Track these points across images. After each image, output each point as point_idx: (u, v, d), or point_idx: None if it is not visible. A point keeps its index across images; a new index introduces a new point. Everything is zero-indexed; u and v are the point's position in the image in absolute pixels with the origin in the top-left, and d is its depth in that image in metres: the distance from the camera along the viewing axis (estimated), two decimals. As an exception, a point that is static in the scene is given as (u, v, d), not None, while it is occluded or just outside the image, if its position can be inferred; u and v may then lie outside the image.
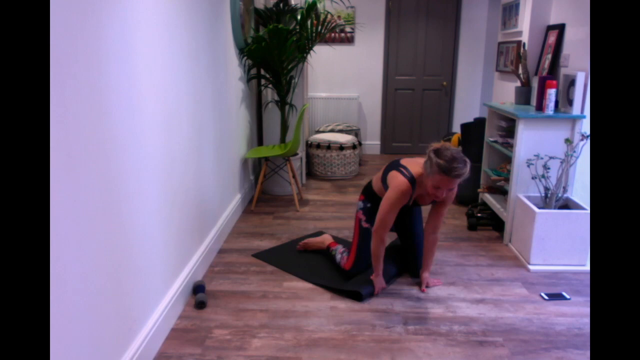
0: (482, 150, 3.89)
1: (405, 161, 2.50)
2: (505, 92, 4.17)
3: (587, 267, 2.88)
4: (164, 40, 2.17)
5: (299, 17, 4.10)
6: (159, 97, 2.12)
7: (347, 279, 2.73)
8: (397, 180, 2.39)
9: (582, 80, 2.93)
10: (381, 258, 2.51)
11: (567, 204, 3.03)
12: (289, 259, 3.01)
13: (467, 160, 2.23)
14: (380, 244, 2.47)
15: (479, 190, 3.80)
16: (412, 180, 2.38)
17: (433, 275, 2.80)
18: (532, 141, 3.06)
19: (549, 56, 3.40)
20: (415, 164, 2.45)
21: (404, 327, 2.29)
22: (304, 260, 2.99)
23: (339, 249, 2.86)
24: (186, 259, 2.53)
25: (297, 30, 3.94)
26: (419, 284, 2.71)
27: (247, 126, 4.14)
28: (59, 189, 1.38)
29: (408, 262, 2.82)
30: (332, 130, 5.53)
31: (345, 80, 6.03)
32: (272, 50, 3.75)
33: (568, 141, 2.89)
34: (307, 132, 5.44)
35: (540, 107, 3.20)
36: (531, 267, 2.88)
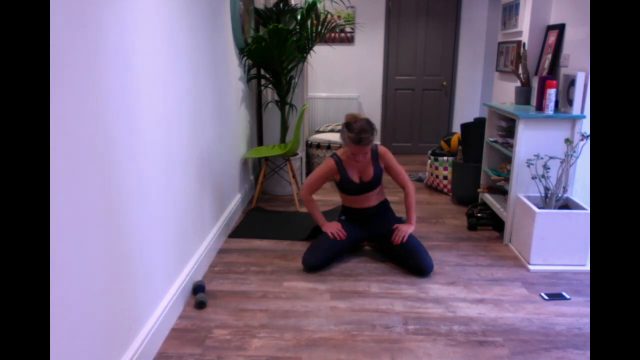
0: (482, 150, 3.89)
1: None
2: (505, 92, 4.17)
3: (587, 267, 2.88)
4: (164, 40, 2.17)
5: (299, 17, 4.10)
6: (159, 97, 2.12)
7: (311, 230, 3.38)
8: (326, 160, 2.99)
9: (582, 80, 2.93)
10: (315, 211, 3.00)
11: (567, 204, 3.03)
12: (259, 227, 3.53)
13: (375, 128, 2.76)
14: (306, 203, 3.01)
15: (479, 190, 3.80)
16: (338, 158, 2.96)
17: (435, 276, 2.80)
18: (532, 141, 3.06)
19: (549, 56, 3.40)
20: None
21: (404, 327, 2.29)
22: (272, 225, 3.58)
23: None
24: (186, 259, 2.53)
25: (297, 30, 3.94)
26: (418, 284, 2.71)
27: (247, 126, 4.14)
28: (58, 189, 1.38)
29: (406, 263, 2.87)
30: (332, 130, 5.52)
31: (345, 80, 6.03)
32: (272, 50, 3.75)
33: (568, 141, 2.89)
34: (307, 132, 5.44)
35: (540, 107, 3.20)
36: (531, 267, 2.88)
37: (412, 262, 2.79)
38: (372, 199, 3.02)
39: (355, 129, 2.71)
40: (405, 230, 2.89)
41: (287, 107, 4.33)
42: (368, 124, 2.74)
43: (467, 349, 2.12)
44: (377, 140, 6.21)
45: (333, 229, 2.94)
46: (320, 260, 2.83)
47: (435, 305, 2.48)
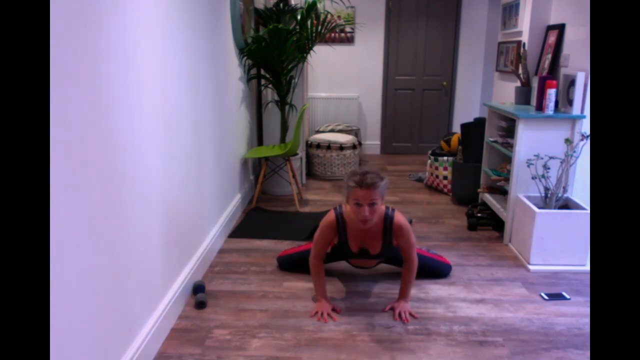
0: (482, 150, 3.89)
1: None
2: (505, 92, 4.17)
3: (587, 267, 2.88)
4: (164, 40, 2.17)
5: (299, 17, 4.10)
6: (159, 97, 2.12)
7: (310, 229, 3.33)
8: (328, 214, 2.44)
9: (582, 80, 2.93)
10: (317, 283, 2.43)
11: (567, 204, 3.03)
12: (259, 227, 3.54)
13: (384, 178, 2.22)
14: (312, 270, 2.45)
15: (479, 190, 3.80)
16: (341, 216, 2.40)
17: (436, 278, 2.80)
18: (532, 141, 3.06)
19: (549, 56, 3.40)
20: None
21: (404, 327, 2.29)
22: (272, 225, 3.59)
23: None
24: (186, 259, 2.53)
25: (297, 30, 3.94)
26: (418, 284, 2.71)
27: (247, 126, 4.14)
28: (59, 189, 1.38)
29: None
30: (332, 130, 5.53)
31: (345, 80, 6.03)
32: (272, 50, 3.75)
33: (568, 141, 2.89)
34: (307, 132, 5.44)
35: (540, 107, 3.20)
36: (531, 267, 2.88)
37: (432, 275, 2.78)
38: (371, 263, 2.67)
39: (357, 171, 2.22)
40: (404, 309, 2.38)
41: (287, 107, 4.33)
42: (376, 172, 2.23)
43: (467, 349, 2.12)
44: (377, 150, 6.20)
45: (323, 309, 2.37)
46: (291, 264, 2.84)
47: (435, 305, 2.48)
